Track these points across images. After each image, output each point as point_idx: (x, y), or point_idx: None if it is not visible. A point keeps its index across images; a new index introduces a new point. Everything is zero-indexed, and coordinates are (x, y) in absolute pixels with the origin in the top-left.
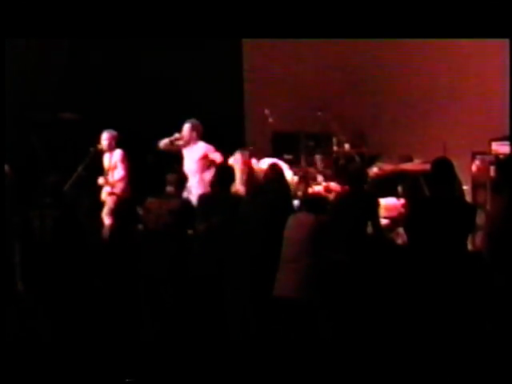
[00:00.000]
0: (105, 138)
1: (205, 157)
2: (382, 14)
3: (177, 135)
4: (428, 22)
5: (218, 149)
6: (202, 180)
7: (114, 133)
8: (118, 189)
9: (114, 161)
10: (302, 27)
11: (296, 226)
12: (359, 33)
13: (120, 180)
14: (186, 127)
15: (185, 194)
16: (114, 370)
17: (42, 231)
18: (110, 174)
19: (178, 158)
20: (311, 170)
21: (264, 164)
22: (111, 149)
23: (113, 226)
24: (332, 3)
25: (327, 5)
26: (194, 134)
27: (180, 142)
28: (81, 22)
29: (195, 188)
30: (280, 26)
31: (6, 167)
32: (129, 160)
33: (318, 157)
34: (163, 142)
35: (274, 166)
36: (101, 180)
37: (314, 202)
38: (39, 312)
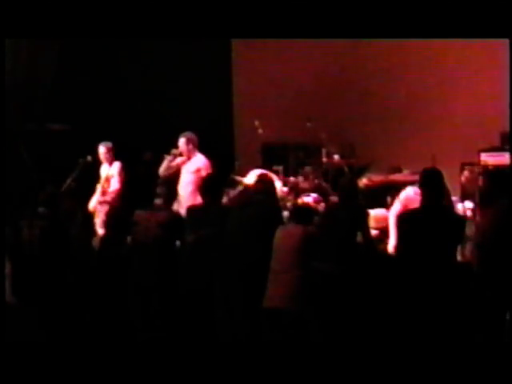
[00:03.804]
0: (103, 151)
1: (198, 171)
2: (382, 13)
3: (174, 151)
4: (428, 22)
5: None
6: (194, 192)
7: (110, 145)
8: (110, 198)
9: (111, 172)
10: (292, 27)
11: (285, 238)
12: (358, 33)
13: (115, 191)
14: (182, 141)
15: (175, 206)
16: (104, 378)
17: (31, 241)
18: (106, 184)
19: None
20: (300, 181)
21: (253, 175)
22: (109, 161)
23: (105, 237)
24: (326, 3)
25: (319, 4)
26: (191, 147)
27: (178, 159)
28: (80, 22)
29: (186, 199)
30: (271, 26)
31: None
32: (125, 172)
33: (307, 168)
34: (162, 169)
35: (263, 177)
36: (99, 188)
37: (302, 213)
38: (31, 321)
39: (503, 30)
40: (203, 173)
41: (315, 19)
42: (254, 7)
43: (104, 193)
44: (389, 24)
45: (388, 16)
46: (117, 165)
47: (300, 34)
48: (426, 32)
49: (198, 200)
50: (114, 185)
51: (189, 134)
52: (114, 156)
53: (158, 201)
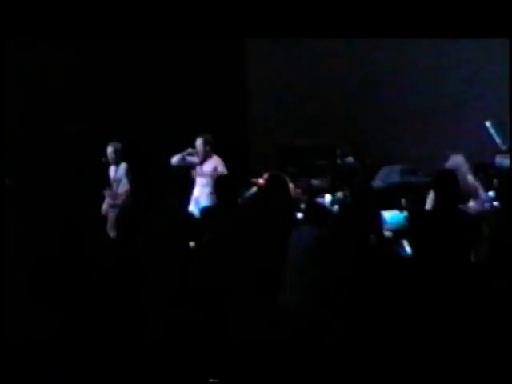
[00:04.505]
0: (110, 151)
1: (214, 171)
2: (383, 13)
3: (189, 150)
4: (428, 22)
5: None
6: (211, 193)
7: (119, 145)
8: (120, 201)
9: (119, 174)
10: (303, 27)
11: (300, 239)
12: (359, 33)
13: (125, 193)
14: (199, 142)
15: (191, 206)
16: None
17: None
18: (115, 186)
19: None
20: (315, 182)
21: (267, 177)
22: (116, 162)
23: (116, 239)
24: (333, 3)
25: (329, 5)
26: (208, 148)
27: (194, 158)
28: (81, 22)
29: (204, 200)
30: (282, 26)
31: (10, 179)
32: (133, 173)
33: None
34: (175, 159)
35: (275, 179)
36: (107, 192)
37: (315, 214)
38: (44, 320)
39: (503, 30)
40: (218, 170)
41: (325, 19)
42: (265, 7)
43: (114, 196)
44: (390, 24)
45: (389, 16)
46: (124, 166)
47: (310, 34)
48: (426, 32)
49: (215, 201)
50: (124, 186)
51: (206, 135)
52: (121, 157)
53: (171, 201)
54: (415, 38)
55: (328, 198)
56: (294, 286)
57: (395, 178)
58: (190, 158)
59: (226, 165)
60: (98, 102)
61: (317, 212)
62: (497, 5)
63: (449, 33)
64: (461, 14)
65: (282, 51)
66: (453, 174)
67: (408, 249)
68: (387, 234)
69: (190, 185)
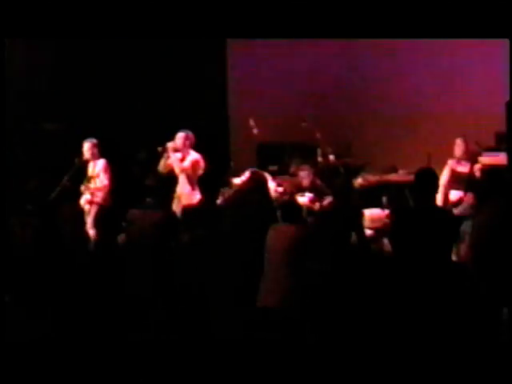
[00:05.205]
0: (87, 147)
1: (193, 166)
2: (381, 13)
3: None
4: (428, 22)
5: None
6: (192, 190)
7: (95, 141)
8: (99, 198)
9: (97, 170)
10: (290, 27)
11: (277, 237)
12: (358, 33)
13: (102, 189)
14: (180, 136)
15: (174, 204)
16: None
17: (23, 240)
18: (93, 182)
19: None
20: (296, 181)
21: (247, 175)
22: (94, 158)
23: (97, 237)
24: (324, 2)
25: (318, 4)
26: (188, 143)
27: (176, 156)
28: (81, 22)
29: (186, 198)
30: (268, 26)
31: None
32: (112, 170)
33: (302, 169)
34: (161, 165)
35: (254, 176)
36: (83, 187)
37: (288, 212)
38: (27, 320)
39: (503, 30)
40: (198, 168)
41: (313, 19)
42: (252, 7)
43: (92, 192)
44: (388, 24)
45: (387, 16)
46: (102, 162)
47: (298, 34)
48: (425, 32)
49: (197, 198)
50: (102, 182)
51: (187, 131)
52: (99, 153)
53: (150, 199)
54: (414, 38)
55: (308, 196)
56: (271, 284)
57: (376, 176)
58: (171, 160)
59: (207, 163)
60: (76, 99)
61: (292, 211)
62: (497, 5)
63: (448, 33)
64: (461, 14)
65: (264, 49)
66: (433, 172)
67: (389, 247)
68: (368, 232)
69: (172, 182)
